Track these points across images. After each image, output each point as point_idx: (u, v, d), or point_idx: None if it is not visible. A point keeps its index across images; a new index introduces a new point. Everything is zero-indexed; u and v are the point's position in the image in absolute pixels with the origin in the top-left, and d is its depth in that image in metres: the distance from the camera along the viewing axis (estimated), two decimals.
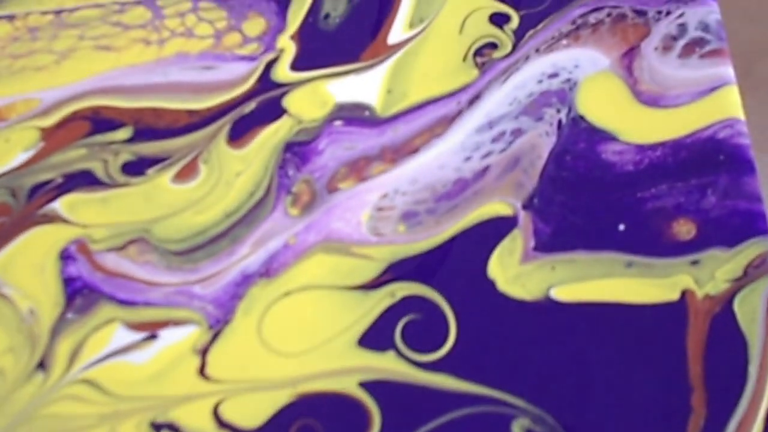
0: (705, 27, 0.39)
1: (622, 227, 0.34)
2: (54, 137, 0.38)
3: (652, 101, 0.37)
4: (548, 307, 0.33)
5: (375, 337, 0.33)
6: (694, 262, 0.33)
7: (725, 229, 0.34)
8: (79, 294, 0.34)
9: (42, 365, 0.33)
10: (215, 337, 0.33)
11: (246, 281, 0.34)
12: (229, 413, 0.32)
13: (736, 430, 0.31)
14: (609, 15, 0.39)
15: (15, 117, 0.38)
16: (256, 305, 0.34)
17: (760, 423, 0.31)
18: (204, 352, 0.33)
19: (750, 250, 0.33)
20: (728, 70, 0.38)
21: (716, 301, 0.33)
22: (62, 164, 0.37)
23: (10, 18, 0.41)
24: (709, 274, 0.33)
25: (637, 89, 0.37)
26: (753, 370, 0.31)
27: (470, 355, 0.32)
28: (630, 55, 0.38)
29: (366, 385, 0.32)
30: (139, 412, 0.32)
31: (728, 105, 0.37)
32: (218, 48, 0.40)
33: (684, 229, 0.34)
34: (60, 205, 0.36)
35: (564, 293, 0.33)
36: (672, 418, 0.31)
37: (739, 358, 0.32)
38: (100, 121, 0.38)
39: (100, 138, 0.38)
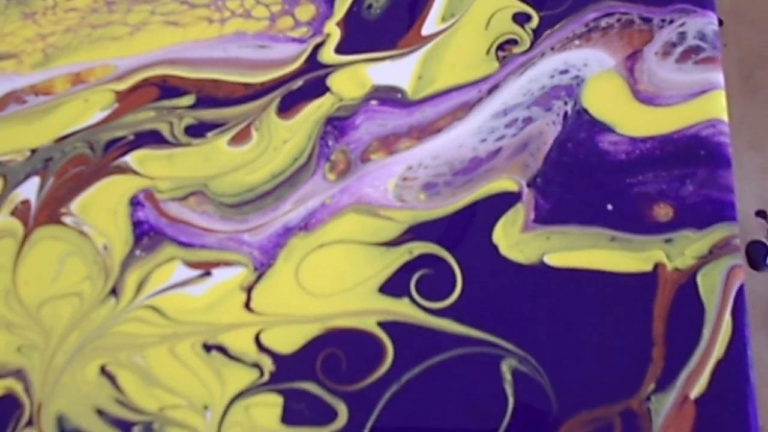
0: (702, 36, 0.47)
1: (610, 207, 0.44)
2: (127, 100, 0.47)
3: (648, 100, 0.46)
4: (541, 270, 0.42)
5: (393, 286, 0.42)
6: (668, 240, 0.43)
7: (698, 214, 0.43)
8: (146, 235, 0.44)
9: (114, 292, 0.43)
10: (259, 277, 0.43)
11: (287, 233, 0.44)
12: (268, 340, 0.42)
13: (686, 381, 0.40)
14: (618, 20, 0.48)
15: (93, 80, 0.48)
16: (295, 253, 0.43)
17: (706, 377, 0.40)
18: (249, 289, 0.43)
19: (716, 233, 0.43)
20: (718, 76, 0.46)
21: (683, 274, 0.42)
22: (133, 124, 0.47)
23: None
24: (680, 251, 0.42)
25: (635, 88, 0.46)
26: (707, 332, 0.41)
27: (472, 305, 0.42)
28: (633, 57, 0.47)
29: (383, 325, 0.42)
30: (193, 335, 0.42)
31: (714, 107, 0.45)
32: (272, 29, 0.49)
33: (663, 211, 0.43)
34: (131, 158, 0.46)
35: (556, 259, 0.43)
36: (634, 366, 0.40)
37: (696, 322, 0.41)
38: (167, 88, 0.48)
39: (166, 103, 0.47)
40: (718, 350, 0.40)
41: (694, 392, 0.40)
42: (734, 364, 0.40)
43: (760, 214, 0.53)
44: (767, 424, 0.46)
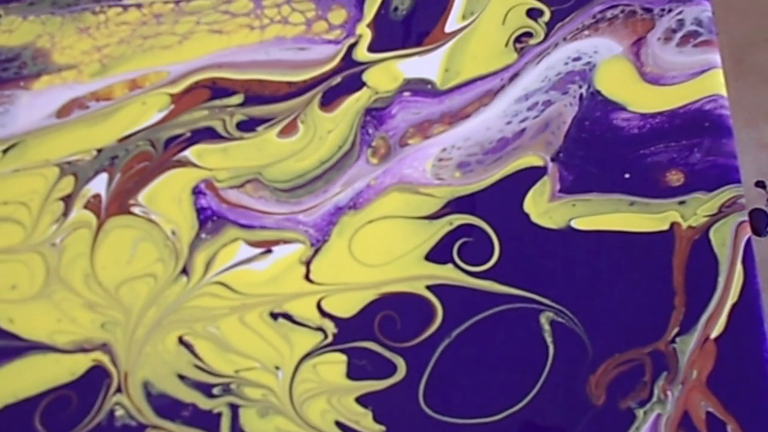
0: (699, 22, 0.53)
1: (627, 176, 0.49)
2: (181, 101, 0.52)
3: (654, 80, 0.51)
4: (570, 233, 0.47)
5: (437, 254, 0.47)
6: (681, 202, 0.48)
7: (706, 178, 0.48)
8: (210, 220, 0.49)
9: (185, 271, 0.47)
10: (316, 252, 0.48)
11: (338, 212, 0.48)
12: (329, 306, 0.46)
13: (706, 324, 0.45)
14: (622, 11, 0.53)
15: (148, 85, 0.53)
16: (346, 229, 0.48)
17: (724, 319, 0.45)
18: (308, 263, 0.47)
19: (724, 194, 0.48)
20: (716, 57, 0.52)
21: (697, 231, 0.47)
22: (189, 122, 0.51)
23: (138, 6, 0.55)
24: (693, 211, 0.47)
25: (642, 71, 0.51)
26: (721, 280, 0.46)
27: (510, 267, 0.47)
28: (638, 43, 0.52)
29: (431, 288, 0.46)
30: (260, 305, 0.47)
31: (714, 84, 0.51)
32: (309, 33, 0.54)
33: (675, 177, 0.48)
34: (190, 153, 0.51)
35: (582, 224, 0.48)
36: (659, 313, 0.45)
37: (711, 272, 0.46)
38: (217, 89, 0.52)
39: (218, 102, 0.52)
40: (733, 295, 0.45)
41: (714, 333, 0.45)
42: (748, 307, 0.45)
43: (759, 184, 0.58)
44: None
